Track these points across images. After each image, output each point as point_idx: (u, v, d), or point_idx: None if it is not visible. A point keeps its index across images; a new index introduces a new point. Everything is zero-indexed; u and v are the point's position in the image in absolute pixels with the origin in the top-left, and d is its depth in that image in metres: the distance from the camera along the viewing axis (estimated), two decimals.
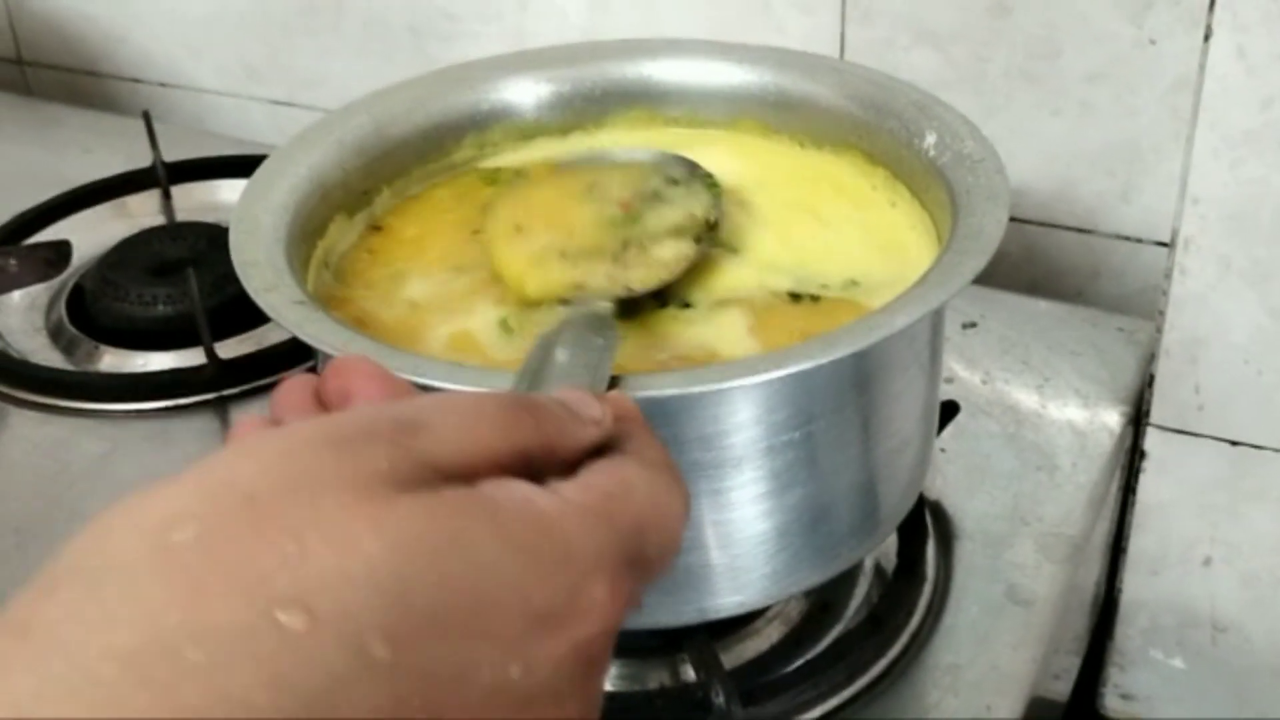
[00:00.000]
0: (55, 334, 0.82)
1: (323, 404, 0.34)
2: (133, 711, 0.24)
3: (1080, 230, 0.83)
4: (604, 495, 0.31)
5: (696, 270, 0.55)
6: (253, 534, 0.26)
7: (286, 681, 0.25)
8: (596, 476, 0.32)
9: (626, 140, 0.64)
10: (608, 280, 0.53)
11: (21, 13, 1.16)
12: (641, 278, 0.53)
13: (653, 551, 0.32)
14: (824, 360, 0.45)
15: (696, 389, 0.46)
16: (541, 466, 0.31)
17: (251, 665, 0.24)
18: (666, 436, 0.46)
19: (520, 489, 0.30)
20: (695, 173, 0.58)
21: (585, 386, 0.39)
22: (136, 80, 1.13)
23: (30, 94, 1.18)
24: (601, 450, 0.33)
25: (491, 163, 0.64)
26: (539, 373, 0.42)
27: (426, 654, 0.26)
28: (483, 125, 0.64)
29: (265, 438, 0.29)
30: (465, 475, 0.29)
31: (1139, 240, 0.82)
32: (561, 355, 0.43)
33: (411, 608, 0.26)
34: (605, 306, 0.50)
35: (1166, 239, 0.77)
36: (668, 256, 0.55)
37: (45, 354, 0.81)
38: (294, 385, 0.35)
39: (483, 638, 0.27)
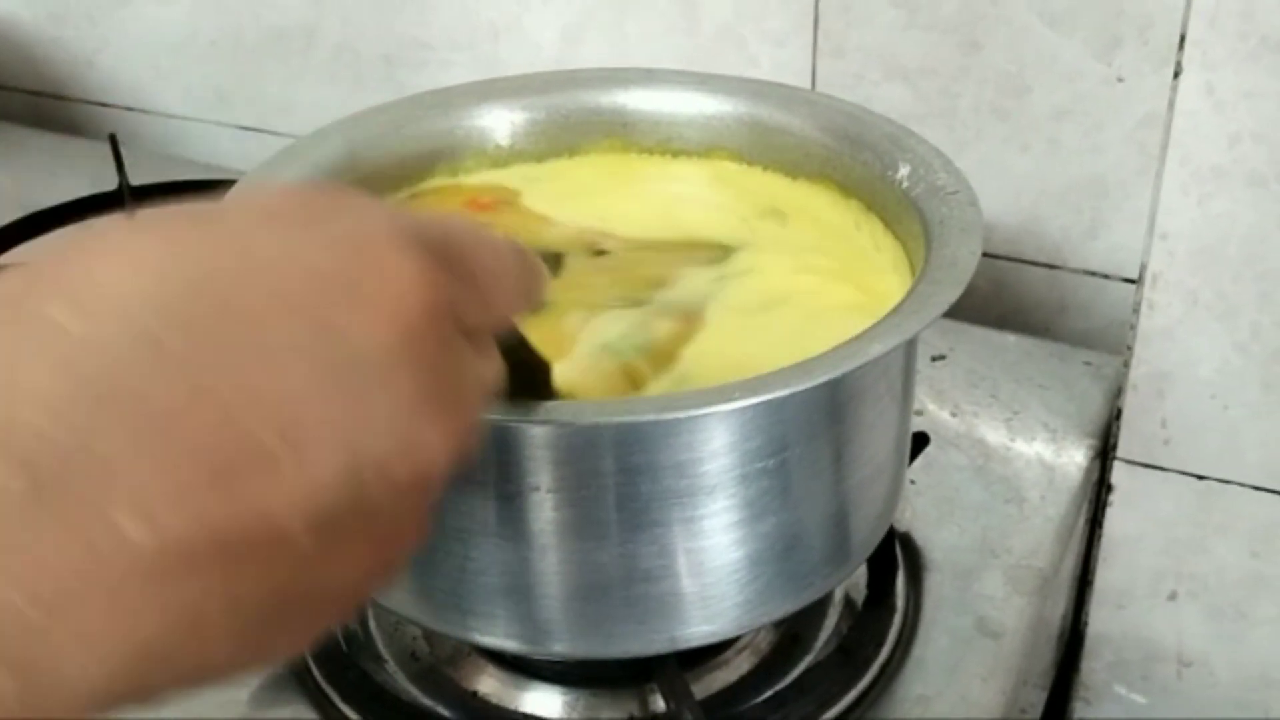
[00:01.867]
0: None
1: None
2: None
3: (1048, 265, 0.84)
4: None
5: None
6: (53, 262, 0.27)
7: (71, 368, 0.25)
8: None
9: (600, 166, 0.64)
10: None
11: None
12: None
13: (475, 264, 0.32)
14: (799, 388, 0.45)
15: (671, 415, 0.46)
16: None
17: (34, 358, 0.25)
18: (640, 463, 0.47)
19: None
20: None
21: None
22: (103, 104, 1.12)
23: None
24: None
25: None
26: None
27: (220, 333, 0.26)
28: (457, 151, 0.64)
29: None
30: None
31: (1106, 276, 0.83)
32: None
33: (194, 298, 0.26)
34: None
35: (1133, 275, 0.77)
36: None
37: None
38: None
39: (278, 313, 0.27)
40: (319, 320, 0.28)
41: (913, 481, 0.68)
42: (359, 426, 0.28)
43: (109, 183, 0.93)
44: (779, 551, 0.51)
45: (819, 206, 0.61)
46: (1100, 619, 0.77)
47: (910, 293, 0.50)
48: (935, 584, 0.63)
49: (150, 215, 0.28)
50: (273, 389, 0.26)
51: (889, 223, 0.58)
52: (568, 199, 0.62)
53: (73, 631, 0.24)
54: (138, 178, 0.93)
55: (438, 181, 0.64)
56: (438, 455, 0.30)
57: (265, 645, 0.28)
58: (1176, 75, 0.61)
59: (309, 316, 0.28)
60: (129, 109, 1.11)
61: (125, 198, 0.92)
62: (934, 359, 0.78)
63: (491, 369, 0.34)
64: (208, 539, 0.25)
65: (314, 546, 0.27)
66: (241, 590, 0.26)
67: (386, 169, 0.62)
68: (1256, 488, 0.69)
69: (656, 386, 0.51)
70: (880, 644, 0.59)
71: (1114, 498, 0.73)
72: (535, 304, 0.36)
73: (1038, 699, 0.76)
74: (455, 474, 0.32)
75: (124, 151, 0.94)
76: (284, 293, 0.27)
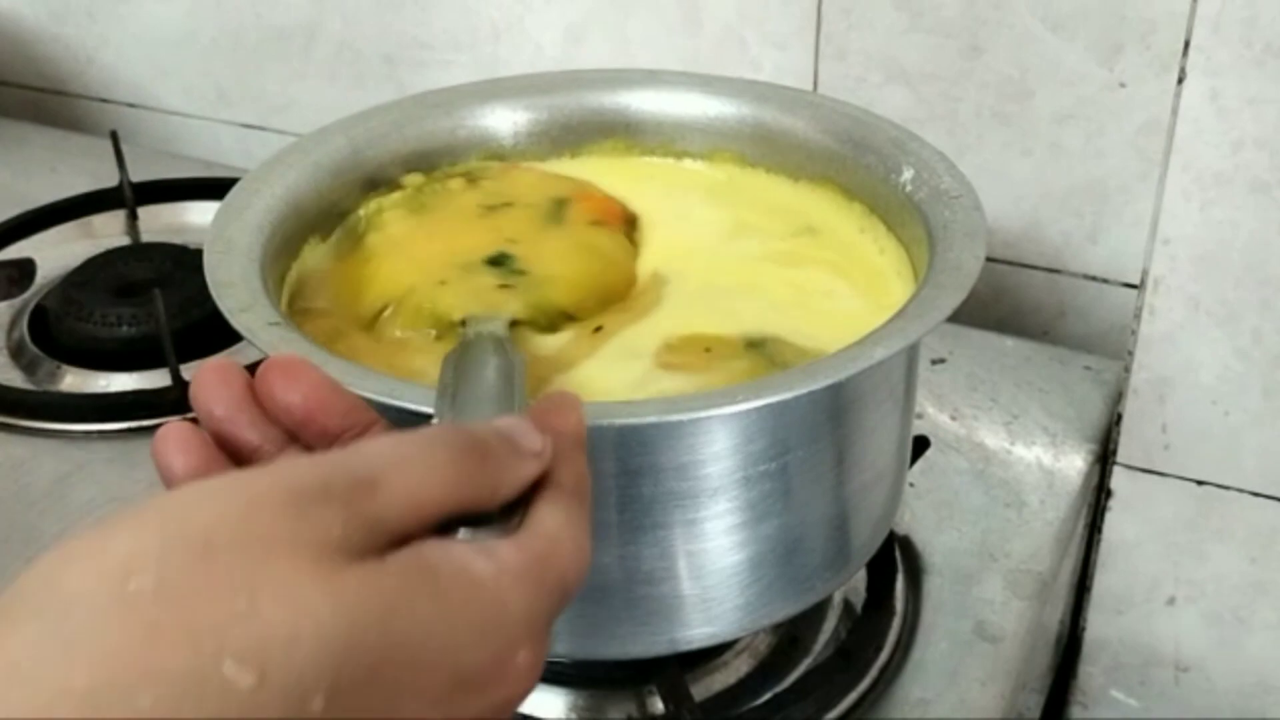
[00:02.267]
0: (16, 353, 0.81)
1: (256, 400, 0.36)
2: None
3: (1048, 270, 0.84)
4: (536, 557, 0.33)
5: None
6: (208, 586, 0.27)
7: None
8: (530, 537, 0.33)
9: (604, 168, 0.64)
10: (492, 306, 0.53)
11: None
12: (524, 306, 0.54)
13: (572, 597, 0.34)
14: (802, 391, 0.45)
15: (674, 417, 0.45)
16: (486, 507, 0.33)
17: (196, 714, 0.26)
18: (643, 465, 0.47)
19: (460, 553, 0.31)
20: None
21: (510, 409, 0.40)
22: (104, 100, 1.12)
23: None
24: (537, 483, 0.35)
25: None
26: (457, 395, 0.42)
27: (359, 709, 0.28)
28: (459, 151, 0.64)
29: (226, 484, 0.30)
30: (414, 530, 0.31)
31: (1106, 280, 0.83)
32: (474, 374, 0.43)
33: (351, 667, 0.28)
34: (499, 324, 0.51)
35: (1133, 280, 0.77)
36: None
37: (6, 373, 0.80)
38: (219, 376, 0.37)
39: (412, 695, 0.29)
40: (437, 705, 0.30)
41: (912, 485, 0.68)
42: None
43: (110, 179, 0.93)
44: (780, 554, 0.51)
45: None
46: (1098, 624, 0.77)
47: (914, 297, 0.50)
48: (935, 587, 0.63)
49: (318, 542, 0.29)
50: None
51: (892, 226, 0.58)
52: None
53: None
54: (138, 174, 0.93)
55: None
56: None
57: None
58: (1180, 81, 0.61)
59: (431, 700, 0.30)
60: (130, 106, 1.11)
61: (126, 194, 0.92)
62: (934, 362, 0.78)
63: None
64: None
65: None
66: None
67: (389, 167, 0.62)
68: (1256, 494, 0.70)
69: None
70: (879, 647, 0.59)
71: (1113, 503, 0.73)
72: None
73: (1035, 703, 0.76)
74: None
75: (124, 148, 0.94)
76: (425, 672, 0.29)
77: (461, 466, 0.33)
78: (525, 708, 0.57)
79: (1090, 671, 0.79)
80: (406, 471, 0.32)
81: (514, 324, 0.52)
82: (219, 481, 0.30)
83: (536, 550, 0.33)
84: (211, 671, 0.26)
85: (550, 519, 0.34)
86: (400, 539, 0.31)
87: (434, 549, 0.31)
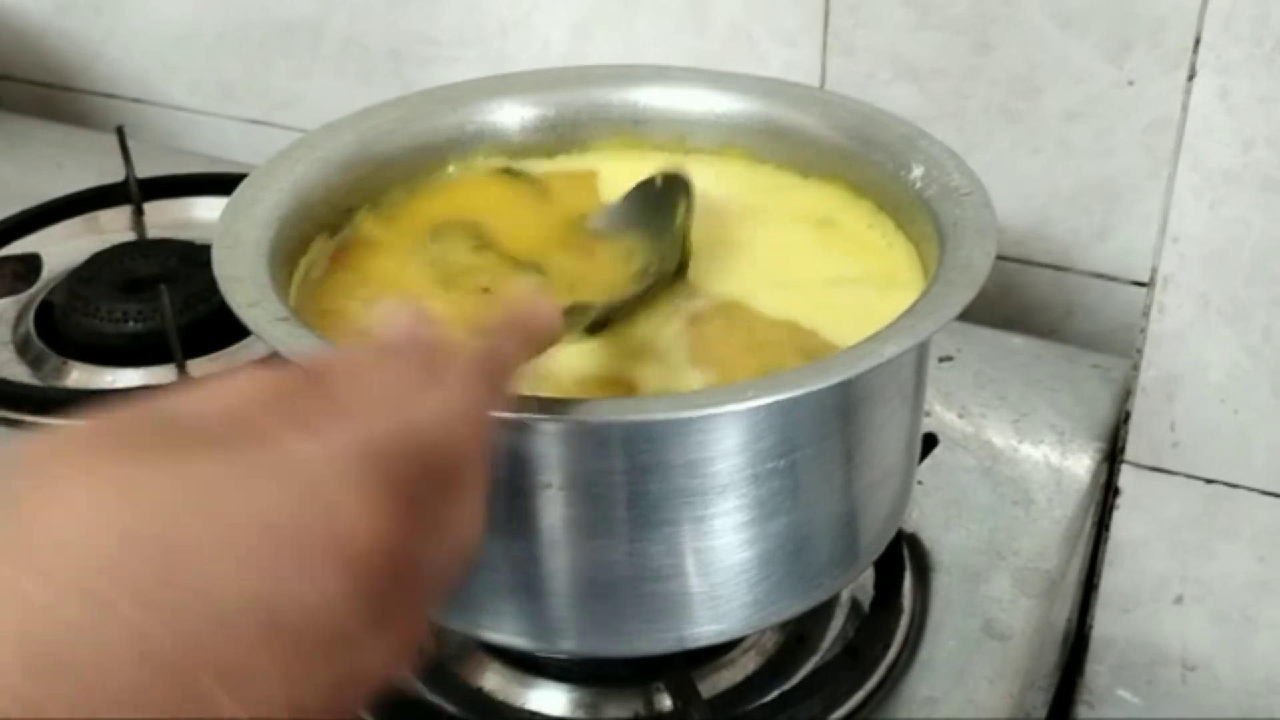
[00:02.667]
0: (22, 348, 0.81)
1: None
2: None
3: (1056, 268, 0.84)
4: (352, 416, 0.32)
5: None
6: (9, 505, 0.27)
7: (32, 626, 0.26)
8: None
9: (611, 165, 0.64)
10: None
11: None
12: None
13: (445, 466, 0.33)
14: (812, 388, 0.45)
15: (683, 414, 0.45)
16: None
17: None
18: (651, 462, 0.47)
19: (254, 426, 0.30)
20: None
21: None
22: (110, 96, 1.12)
23: (1, 108, 1.17)
24: None
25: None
26: None
27: (167, 592, 0.27)
28: (467, 146, 0.63)
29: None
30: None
31: (1114, 279, 0.82)
32: None
33: (140, 550, 0.27)
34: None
35: (1141, 278, 0.77)
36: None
37: (11, 368, 0.80)
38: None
39: (226, 563, 0.27)
40: (266, 574, 0.28)
41: (920, 483, 0.68)
42: (302, 677, 0.29)
43: (116, 174, 0.92)
44: (789, 552, 0.51)
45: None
46: (1105, 622, 0.77)
47: (924, 294, 0.49)
48: (943, 585, 0.63)
49: (93, 440, 0.29)
50: (218, 644, 0.27)
51: (901, 223, 0.58)
52: None
53: None
54: (144, 170, 0.93)
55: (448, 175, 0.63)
56: (378, 677, 0.31)
57: None
58: (1190, 78, 0.61)
59: (256, 570, 0.28)
60: (136, 101, 1.11)
61: (132, 189, 0.92)
62: (942, 360, 0.77)
63: (461, 539, 0.35)
64: None
65: None
66: None
67: (397, 163, 0.62)
68: (1264, 492, 0.69)
69: None
70: (887, 645, 0.59)
71: (1121, 501, 0.73)
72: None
73: (1041, 702, 0.75)
74: None
75: (130, 144, 0.94)
76: (232, 543, 0.28)
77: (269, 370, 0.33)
78: (531, 704, 0.57)
79: (1097, 670, 0.79)
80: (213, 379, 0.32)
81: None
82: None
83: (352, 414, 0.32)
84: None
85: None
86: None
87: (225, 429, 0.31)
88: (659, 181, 0.59)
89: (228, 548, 0.28)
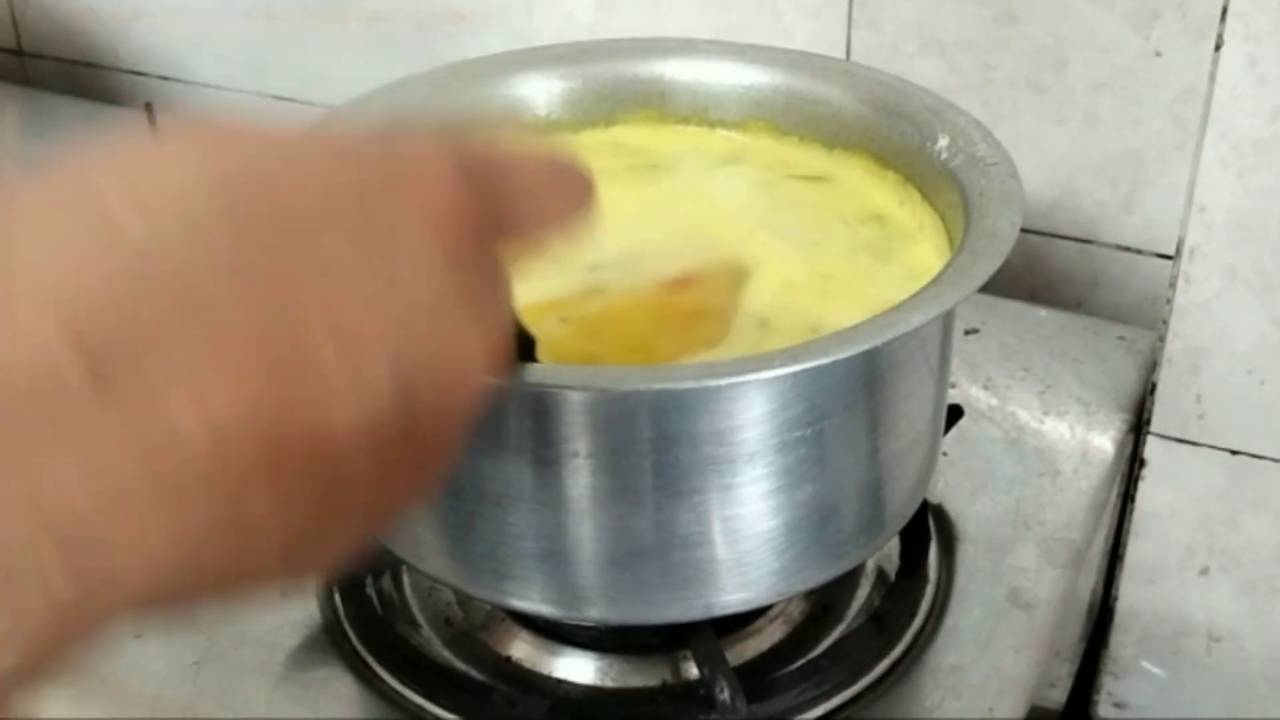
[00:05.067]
0: None
1: None
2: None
3: (1082, 240, 0.83)
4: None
5: None
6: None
7: (133, 260, 0.25)
8: None
9: (636, 136, 0.64)
10: None
11: (24, 4, 1.15)
12: None
13: (508, 185, 0.32)
14: (839, 356, 0.45)
15: (711, 382, 0.46)
16: None
17: (89, 251, 0.25)
18: (679, 431, 0.47)
19: None
20: None
21: None
22: (138, 73, 1.13)
23: (29, 85, 1.18)
24: None
25: None
26: None
27: (279, 240, 0.27)
28: (494, 121, 0.64)
29: None
30: None
31: (1139, 251, 0.82)
32: None
33: (252, 200, 0.27)
34: None
35: (1167, 250, 0.77)
36: None
37: None
38: None
39: (323, 225, 0.27)
40: (363, 218, 0.28)
41: (945, 454, 0.68)
42: (405, 330, 0.28)
43: None
44: (815, 520, 0.51)
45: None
46: (1130, 593, 0.77)
47: (949, 264, 0.50)
48: (968, 555, 0.64)
49: (191, 122, 0.29)
50: (322, 291, 0.27)
51: (927, 194, 0.58)
52: None
53: (125, 529, 0.24)
54: None
55: None
56: (476, 361, 0.30)
57: (305, 555, 0.29)
58: (1218, 48, 0.61)
59: (353, 216, 0.28)
60: (163, 78, 1.12)
61: None
62: (967, 332, 0.78)
63: (511, 289, 0.34)
64: (261, 440, 0.25)
65: (362, 459, 0.27)
66: (290, 497, 0.26)
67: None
68: None
69: None
70: (913, 614, 0.60)
71: (1147, 472, 0.73)
72: (574, 224, 0.35)
73: (1066, 672, 0.76)
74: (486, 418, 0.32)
75: (158, 120, 0.94)
76: (330, 193, 0.28)
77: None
78: (559, 672, 0.58)
79: (1122, 641, 0.79)
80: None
81: None
82: None
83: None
84: (93, 212, 0.26)
85: None
86: None
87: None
88: None
89: (325, 198, 0.28)
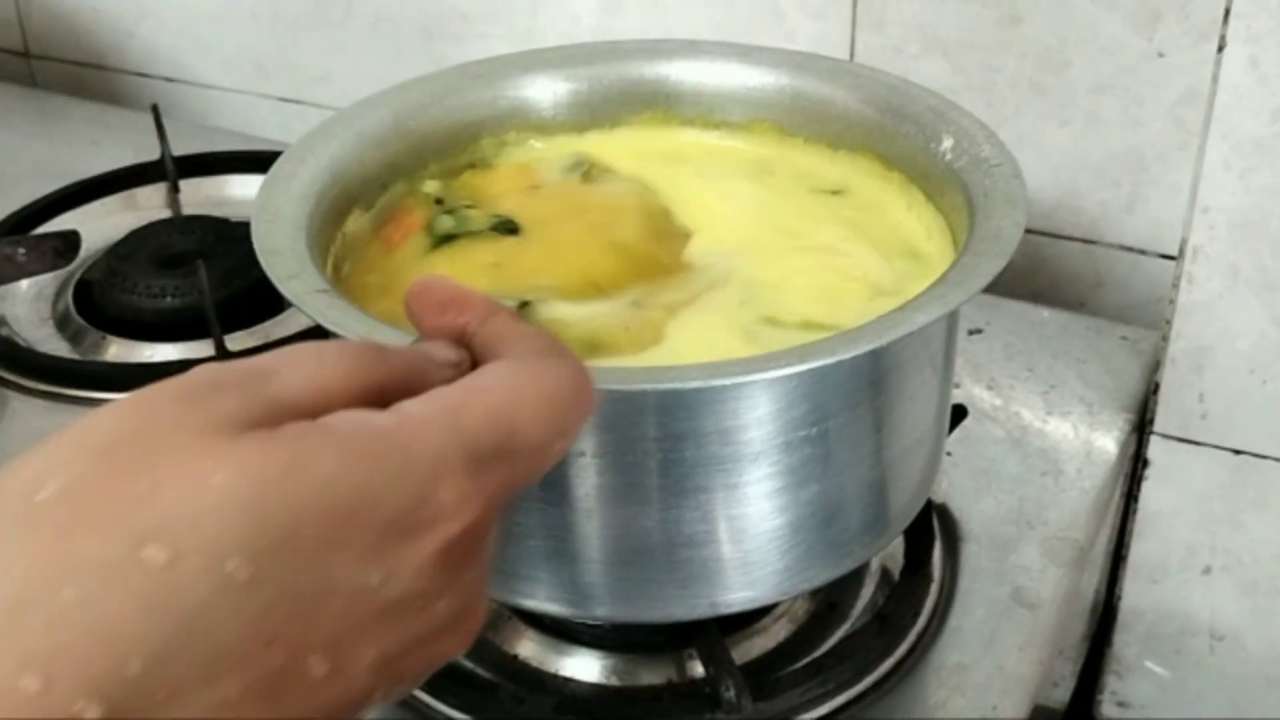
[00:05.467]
0: (62, 323, 0.82)
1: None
2: (16, 652, 0.26)
3: (1085, 240, 0.84)
4: (447, 402, 0.33)
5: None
6: (108, 480, 0.28)
7: (156, 609, 0.27)
8: (444, 389, 0.34)
9: (642, 139, 0.64)
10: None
11: (29, 6, 1.16)
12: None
13: (524, 439, 0.33)
14: (844, 356, 0.45)
15: (717, 382, 0.46)
16: (399, 401, 0.33)
17: (121, 598, 0.27)
18: (685, 429, 0.47)
19: (359, 413, 0.32)
20: None
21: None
22: (143, 74, 1.13)
23: (36, 87, 1.18)
24: None
25: (507, 159, 0.65)
26: None
27: (285, 571, 0.28)
28: (500, 122, 0.64)
29: (128, 396, 0.31)
30: (314, 412, 0.31)
31: (1142, 251, 0.83)
32: None
33: (264, 529, 0.28)
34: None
35: (1170, 251, 0.77)
36: None
37: (51, 343, 0.81)
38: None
39: (336, 550, 0.29)
40: (369, 557, 0.30)
41: (949, 454, 0.69)
42: (391, 647, 0.31)
43: (151, 152, 0.94)
44: (820, 519, 0.51)
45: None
46: (1134, 593, 0.77)
47: (954, 264, 0.50)
48: (972, 554, 0.64)
49: (207, 414, 0.30)
50: (323, 617, 0.29)
51: (931, 195, 0.58)
52: None
53: None
54: (178, 148, 0.94)
55: (481, 150, 0.64)
56: (453, 648, 0.34)
57: None
58: (1220, 49, 0.61)
59: (360, 553, 0.30)
60: (169, 79, 1.12)
61: (168, 167, 0.93)
62: (971, 333, 0.78)
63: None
64: None
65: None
66: None
67: (431, 138, 0.63)
68: None
69: None
70: (917, 613, 0.60)
71: (1150, 472, 0.73)
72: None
73: (1070, 672, 0.76)
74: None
75: (164, 122, 0.95)
76: (342, 526, 0.30)
77: (356, 355, 0.33)
78: (565, 671, 0.58)
79: (1125, 640, 0.79)
80: (299, 358, 0.33)
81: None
82: (123, 397, 0.31)
83: (447, 396, 0.33)
84: (125, 556, 0.27)
85: (473, 376, 0.35)
86: (301, 416, 0.31)
87: (334, 415, 0.31)
88: None
89: (338, 531, 0.29)
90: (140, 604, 0.27)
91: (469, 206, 0.60)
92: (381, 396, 0.33)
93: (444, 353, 0.36)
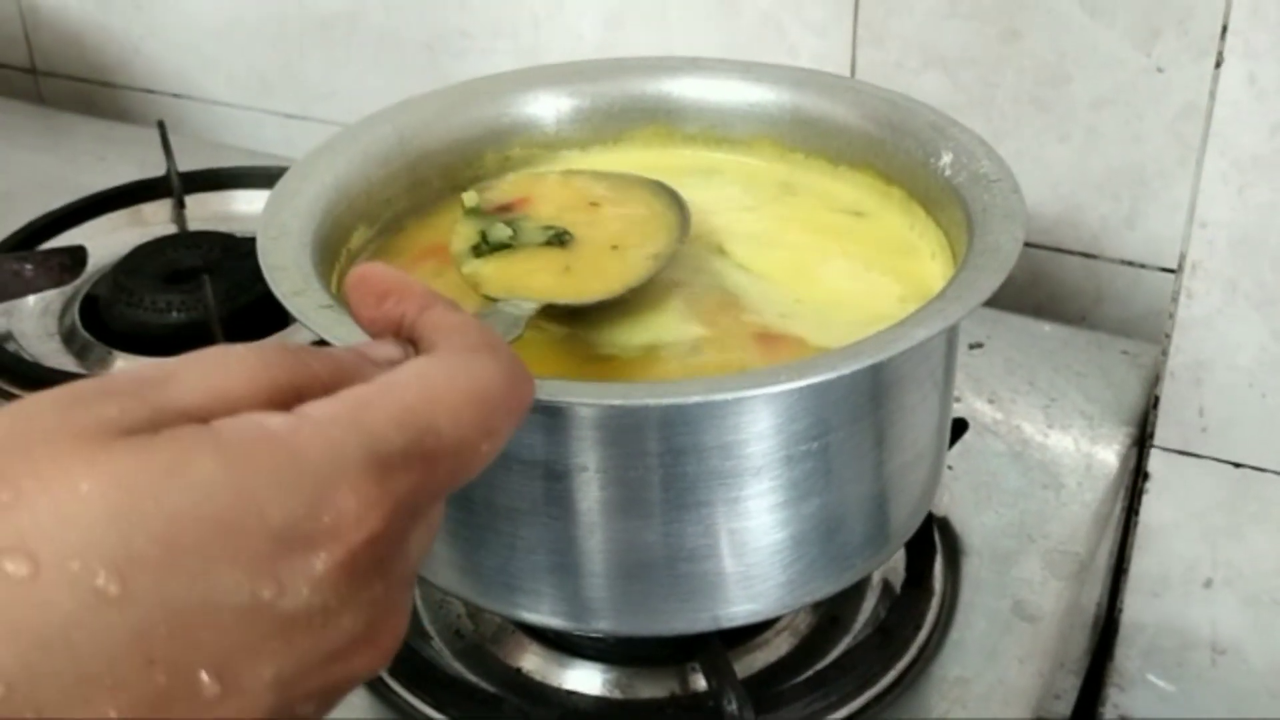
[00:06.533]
0: (68, 338, 0.83)
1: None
2: None
3: (1085, 255, 0.84)
4: (353, 402, 0.31)
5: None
6: None
7: (20, 628, 0.25)
8: (357, 387, 0.31)
9: (645, 156, 0.65)
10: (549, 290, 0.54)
11: (36, 23, 1.16)
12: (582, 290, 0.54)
13: (444, 440, 0.31)
14: (845, 371, 0.46)
15: (717, 397, 0.46)
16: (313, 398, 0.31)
17: None
18: (687, 444, 0.48)
19: (253, 416, 0.29)
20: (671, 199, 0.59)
21: None
22: (149, 91, 1.14)
23: (43, 103, 1.19)
24: None
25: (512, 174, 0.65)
26: None
27: (163, 584, 0.27)
28: (504, 139, 0.65)
29: (6, 406, 0.29)
30: (209, 417, 0.29)
31: (1143, 265, 0.83)
32: None
33: (136, 539, 0.26)
34: (528, 307, 0.51)
35: (1170, 264, 0.78)
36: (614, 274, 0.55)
37: (58, 358, 0.81)
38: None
39: (221, 562, 0.27)
40: (258, 570, 0.28)
41: (950, 467, 0.69)
42: (291, 665, 0.29)
43: (157, 168, 0.94)
44: (821, 533, 0.52)
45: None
46: (1135, 606, 0.78)
47: (953, 279, 0.50)
48: (973, 568, 0.64)
49: (83, 423, 0.28)
50: (209, 634, 0.27)
51: (931, 210, 0.59)
52: None
53: None
54: (184, 164, 0.94)
55: (485, 167, 0.65)
56: (370, 669, 0.31)
57: None
58: (1218, 65, 0.62)
59: (248, 566, 0.28)
60: (175, 96, 1.13)
61: (174, 183, 0.93)
62: (971, 347, 0.78)
63: (430, 536, 0.34)
64: None
65: None
66: None
67: (435, 155, 0.63)
68: None
69: None
70: (919, 626, 0.60)
71: (1150, 485, 0.74)
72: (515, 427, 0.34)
73: (1072, 685, 0.76)
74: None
75: (170, 138, 0.95)
76: (226, 536, 0.27)
77: (262, 356, 0.31)
78: (568, 684, 0.59)
79: (1127, 654, 0.79)
80: (206, 362, 0.31)
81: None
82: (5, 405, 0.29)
83: (354, 395, 0.31)
84: None
85: (389, 374, 0.32)
86: (194, 421, 0.29)
87: (226, 419, 0.29)
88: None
89: (222, 540, 0.27)
90: (3, 625, 0.25)
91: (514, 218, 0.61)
92: (299, 400, 0.31)
93: (384, 351, 0.34)
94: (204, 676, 0.27)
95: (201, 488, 0.27)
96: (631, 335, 0.54)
